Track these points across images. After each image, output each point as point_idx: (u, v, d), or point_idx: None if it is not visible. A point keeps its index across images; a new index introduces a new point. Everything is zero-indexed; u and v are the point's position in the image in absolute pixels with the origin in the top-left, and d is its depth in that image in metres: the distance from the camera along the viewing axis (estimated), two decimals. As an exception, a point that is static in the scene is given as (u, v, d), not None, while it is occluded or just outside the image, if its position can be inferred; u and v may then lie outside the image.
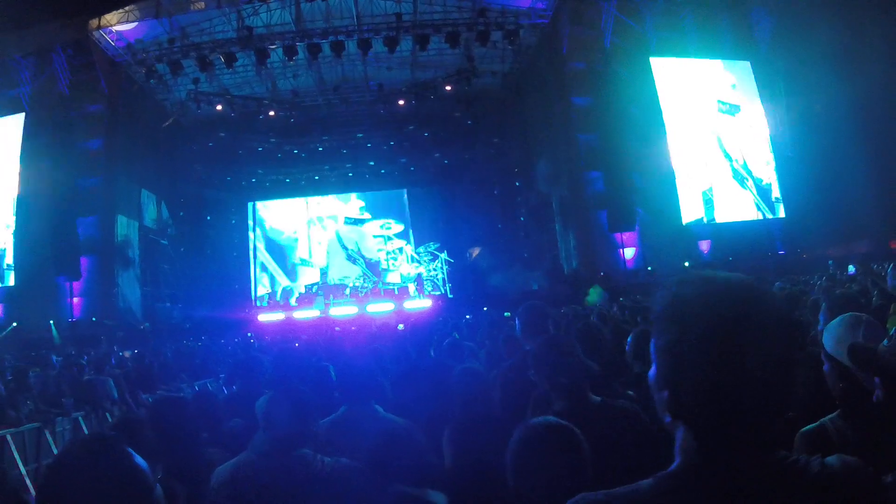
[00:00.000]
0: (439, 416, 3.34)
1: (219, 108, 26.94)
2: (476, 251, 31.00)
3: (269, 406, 2.58)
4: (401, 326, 9.86)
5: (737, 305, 1.07)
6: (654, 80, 23.36)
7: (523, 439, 2.08)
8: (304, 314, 24.42)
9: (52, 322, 20.97)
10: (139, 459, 1.48)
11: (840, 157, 20.47)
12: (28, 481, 7.22)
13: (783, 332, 1.09)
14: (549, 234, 26.96)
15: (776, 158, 23.79)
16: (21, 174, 23.28)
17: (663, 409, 1.14)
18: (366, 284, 29.28)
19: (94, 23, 22.79)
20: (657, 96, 23.29)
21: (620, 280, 21.44)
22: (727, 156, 23.57)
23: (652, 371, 1.18)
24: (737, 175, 23.53)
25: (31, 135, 23.37)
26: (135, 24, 23.13)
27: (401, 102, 27.80)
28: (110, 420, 8.71)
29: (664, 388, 1.13)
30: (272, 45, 23.56)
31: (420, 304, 24.73)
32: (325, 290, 28.95)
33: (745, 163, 23.63)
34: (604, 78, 22.54)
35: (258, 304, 28.87)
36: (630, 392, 3.10)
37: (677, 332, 1.10)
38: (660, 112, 23.22)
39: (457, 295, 29.01)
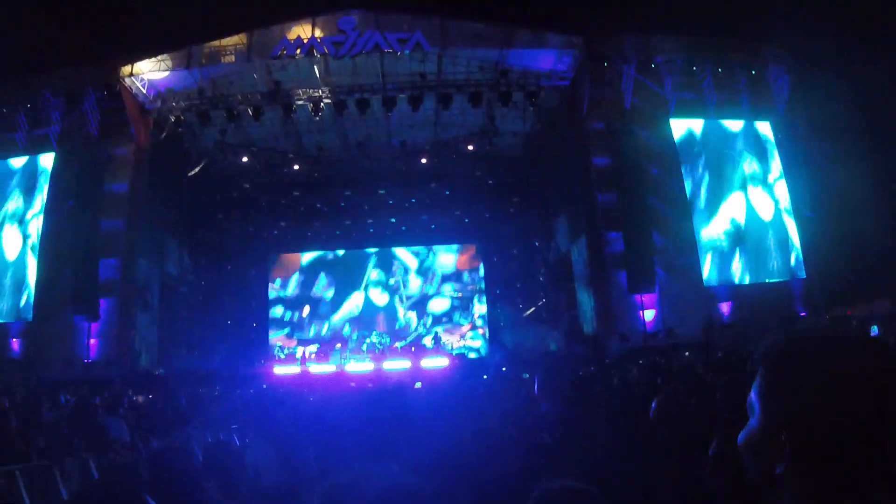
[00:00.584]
0: (454, 476, 3.28)
1: (244, 159, 27.40)
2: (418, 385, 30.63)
3: (259, 458, 2.56)
4: (418, 384, 9.76)
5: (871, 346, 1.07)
6: (673, 140, 23.51)
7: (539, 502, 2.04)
8: (319, 368, 24.30)
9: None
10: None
11: (860, 215, 20.35)
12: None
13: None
14: (568, 294, 26.81)
15: (795, 218, 23.66)
16: (47, 211, 23.62)
17: (775, 456, 1.10)
18: (383, 341, 29.19)
19: (126, 69, 23.44)
20: (677, 156, 23.41)
21: (640, 341, 21.22)
22: (747, 216, 23.48)
23: (757, 417, 1.14)
24: (757, 235, 23.40)
25: (58, 173, 23.79)
26: (166, 73, 23.80)
27: (423, 160, 28.15)
28: (119, 462, 8.64)
29: (781, 430, 1.09)
30: (299, 99, 24.07)
31: (437, 362, 24.55)
32: (342, 345, 28.90)
33: (764, 223, 23.53)
34: (623, 138, 22.73)
35: (276, 354, 28.81)
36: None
37: (807, 369, 1.09)
38: (680, 172, 23.30)
39: (477, 354, 28.87)
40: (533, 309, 30.41)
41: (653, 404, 3.79)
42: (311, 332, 32.30)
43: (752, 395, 1.16)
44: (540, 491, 2.08)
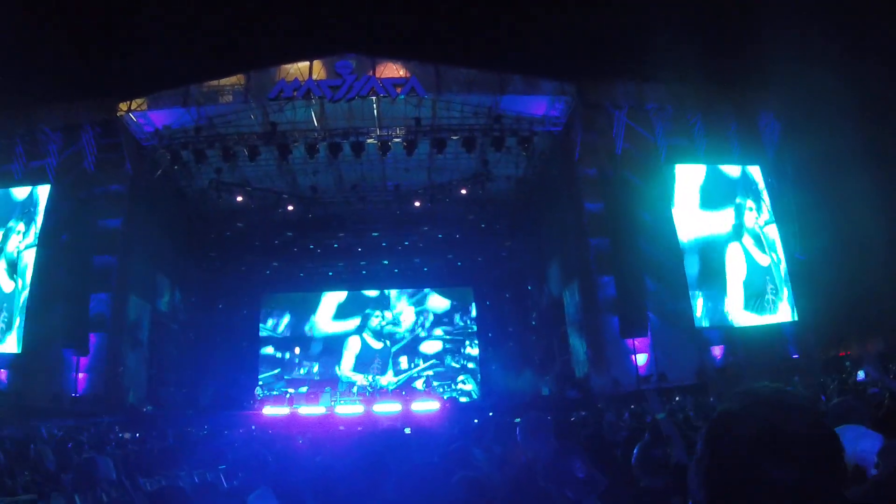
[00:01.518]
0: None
1: (239, 198, 27.52)
2: None
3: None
4: (407, 430, 9.72)
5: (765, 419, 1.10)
6: (664, 186, 23.74)
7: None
8: (309, 410, 24.08)
9: None
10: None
11: (852, 258, 20.48)
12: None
13: (808, 448, 1.10)
14: (561, 338, 26.78)
15: (787, 261, 23.81)
16: (40, 244, 23.51)
17: None
18: (373, 384, 29.07)
19: (124, 105, 23.65)
20: (669, 201, 23.61)
21: (632, 385, 21.17)
22: (742, 259, 23.60)
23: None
24: (748, 279, 23.50)
25: (53, 206, 23.73)
26: (164, 110, 24.02)
27: (417, 203, 28.33)
28: (105, 501, 8.51)
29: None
30: (295, 141, 24.31)
31: (427, 406, 24.38)
32: (332, 387, 28.70)
33: (756, 266, 23.66)
34: (615, 184, 22.98)
35: (265, 394, 28.57)
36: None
37: (709, 450, 1.14)
38: (671, 217, 23.46)
39: (468, 398, 28.69)
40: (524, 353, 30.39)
41: (634, 451, 3.83)
42: (302, 372, 32.11)
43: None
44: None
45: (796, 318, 23.39)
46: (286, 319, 33.38)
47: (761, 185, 24.64)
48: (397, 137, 24.17)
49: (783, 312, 23.49)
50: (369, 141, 24.23)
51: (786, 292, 23.61)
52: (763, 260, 23.83)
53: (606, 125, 23.68)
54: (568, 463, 2.75)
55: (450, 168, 26.99)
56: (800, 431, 1.11)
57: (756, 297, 23.35)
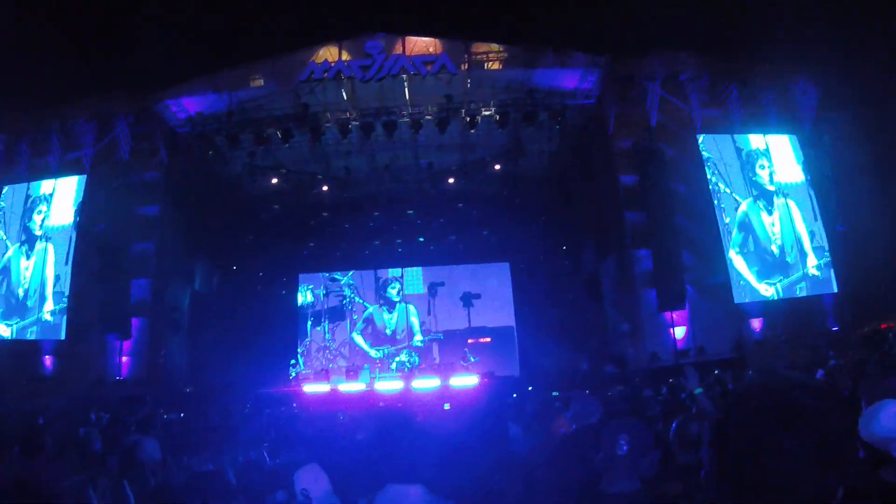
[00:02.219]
0: (484, 497, 3.31)
1: (274, 181, 27.72)
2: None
3: (306, 479, 2.58)
4: (447, 406, 9.77)
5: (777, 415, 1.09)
6: (701, 157, 23.37)
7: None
8: (348, 387, 24.31)
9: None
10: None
11: (893, 228, 20.01)
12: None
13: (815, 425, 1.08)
14: (597, 313, 26.64)
15: (826, 233, 23.32)
16: (78, 233, 24.17)
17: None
18: (412, 360, 29.23)
19: (156, 94, 23.93)
20: (705, 173, 23.23)
21: (670, 360, 21.02)
22: (781, 232, 23.18)
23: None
24: (788, 251, 23.08)
25: (89, 196, 24.33)
26: (195, 97, 24.24)
27: (450, 181, 28.26)
28: (152, 483, 8.69)
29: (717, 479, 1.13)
30: (327, 123, 24.36)
31: (467, 381, 24.47)
32: (371, 363, 28.93)
33: (795, 238, 23.19)
34: (650, 156, 22.65)
35: (304, 372, 28.87)
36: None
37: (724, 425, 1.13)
38: (708, 189, 23.10)
39: (505, 373, 28.63)
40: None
41: (672, 426, 3.80)
42: (341, 351, 32.40)
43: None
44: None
45: (836, 290, 22.94)
46: (324, 298, 33.67)
47: (799, 154, 24.08)
48: (429, 115, 24.05)
49: (822, 285, 23.04)
50: (401, 120, 24.18)
51: (825, 264, 23.13)
52: (798, 230, 23.35)
53: (640, 97, 23.32)
54: (613, 439, 2.71)
55: (482, 145, 26.80)
56: (812, 406, 1.10)
57: (788, 269, 22.95)
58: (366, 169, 28.76)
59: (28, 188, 25.25)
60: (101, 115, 24.25)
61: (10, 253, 24.79)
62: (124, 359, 22.84)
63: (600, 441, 2.74)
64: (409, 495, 3.18)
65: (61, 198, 24.81)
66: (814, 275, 22.96)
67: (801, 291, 22.86)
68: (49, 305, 23.84)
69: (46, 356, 23.62)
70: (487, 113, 24.06)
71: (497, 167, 27.25)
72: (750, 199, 23.38)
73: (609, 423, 3.02)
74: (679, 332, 22.01)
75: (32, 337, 23.85)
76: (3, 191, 25.47)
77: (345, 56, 23.59)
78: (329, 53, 23.78)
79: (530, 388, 20.77)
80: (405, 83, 24.05)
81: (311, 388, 24.67)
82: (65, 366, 23.18)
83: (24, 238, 24.88)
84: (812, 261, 23.07)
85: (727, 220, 22.98)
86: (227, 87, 23.95)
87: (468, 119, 23.94)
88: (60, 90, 24.90)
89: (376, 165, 28.50)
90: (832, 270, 23.00)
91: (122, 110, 23.98)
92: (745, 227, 23.11)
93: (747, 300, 22.51)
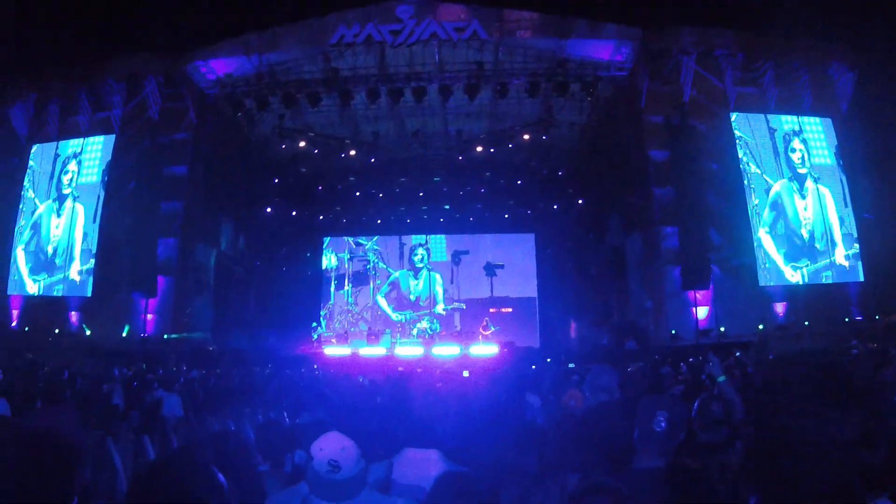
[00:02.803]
0: (499, 466, 3.32)
1: (301, 144, 27.73)
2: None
3: (330, 448, 2.59)
4: (466, 373, 9.79)
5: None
6: (733, 135, 23.00)
7: (574, 497, 2.07)
8: (369, 351, 24.55)
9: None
10: (222, 478, 1.56)
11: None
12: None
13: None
14: (620, 288, 26.53)
15: (855, 220, 22.91)
16: (107, 192, 24.49)
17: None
18: (433, 327, 29.39)
19: (186, 55, 23.99)
20: (736, 152, 22.88)
21: (691, 339, 20.91)
22: (812, 216, 22.82)
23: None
24: (818, 237, 22.73)
25: (118, 156, 24.61)
26: (225, 59, 24.23)
27: (478, 149, 28.10)
28: (174, 439, 8.85)
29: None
30: (356, 87, 24.25)
31: (487, 350, 24.57)
32: (392, 328, 29.16)
33: (826, 225, 22.82)
34: (682, 132, 22.33)
35: (326, 335, 29.19)
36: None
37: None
38: (738, 168, 22.79)
39: (525, 344, 28.71)
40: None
41: (695, 404, 3.78)
42: (363, 315, 32.67)
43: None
44: (577, 486, 2.11)
45: (862, 279, 22.60)
46: (348, 262, 33.87)
47: (832, 138, 23.58)
48: (459, 82, 23.84)
49: (849, 273, 22.70)
50: (430, 86, 23.99)
51: (853, 254, 22.75)
52: (826, 215, 22.95)
53: (673, 71, 22.98)
54: (650, 415, 2.70)
55: (512, 114, 26.56)
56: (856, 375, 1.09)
57: (814, 255, 22.62)
58: (394, 135, 28.68)
59: (57, 147, 25.55)
60: (131, 75, 24.39)
61: (41, 210, 25.18)
62: (149, 317, 23.17)
63: (635, 416, 2.72)
64: (426, 460, 3.20)
65: (90, 157, 25.11)
66: (841, 264, 22.64)
67: (827, 279, 22.57)
68: (77, 265, 24.26)
69: (73, 312, 24.08)
70: (518, 82, 23.81)
71: (526, 137, 27.02)
72: (784, 181, 23.03)
73: (643, 398, 3.00)
74: (701, 311, 21.85)
75: (59, 294, 24.33)
76: (33, 150, 25.79)
77: (375, 21, 23.37)
78: (359, 17, 23.57)
79: (549, 360, 20.80)
80: (436, 49, 23.81)
81: (332, 350, 24.95)
82: (90, 323, 23.63)
83: (54, 196, 25.24)
84: (841, 250, 22.74)
85: (756, 202, 22.68)
86: (257, 49, 23.87)
87: (498, 87, 23.69)
88: (91, 51, 25.03)
89: (404, 132, 28.41)
90: (860, 259, 22.65)
91: (151, 71, 24.10)
92: (777, 207, 22.80)
93: (772, 283, 22.27)
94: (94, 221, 24.31)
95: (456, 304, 32.10)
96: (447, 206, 32.80)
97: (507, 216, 33.00)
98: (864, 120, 22.92)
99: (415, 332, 28.68)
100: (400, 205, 32.70)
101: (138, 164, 23.72)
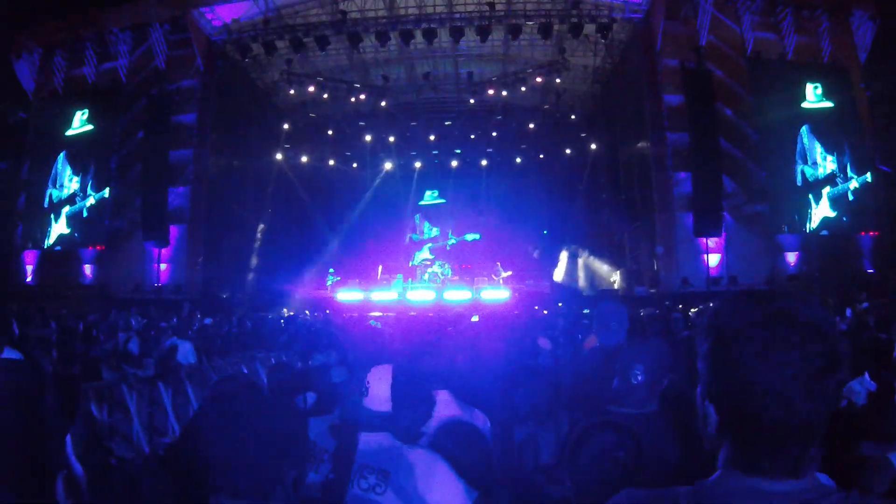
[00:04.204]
0: (510, 407, 3.33)
1: (310, 89, 27.44)
2: (537, 252, 30.80)
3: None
4: (475, 318, 9.82)
5: (768, 314, 1.07)
6: (749, 81, 22.57)
7: (581, 436, 2.06)
8: (381, 295, 24.69)
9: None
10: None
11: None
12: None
13: (813, 349, 1.05)
14: (632, 234, 26.45)
15: (871, 171, 22.60)
16: (117, 143, 24.46)
17: (709, 421, 1.15)
18: (444, 271, 29.37)
19: (191, 1, 23.59)
20: (753, 97, 22.50)
21: (702, 286, 20.89)
22: (822, 166, 22.53)
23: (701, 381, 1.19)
24: (830, 187, 22.47)
25: (127, 106, 24.51)
26: (231, 4, 23.82)
27: (490, 92, 27.73)
28: (188, 384, 8.99)
29: (707, 398, 1.14)
30: (365, 30, 23.85)
31: (498, 294, 24.65)
32: (404, 272, 29.19)
33: (839, 174, 22.53)
34: (697, 76, 21.91)
35: (334, 279, 29.26)
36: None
37: (715, 338, 1.12)
38: (755, 114, 22.43)
39: (535, 288, 28.76)
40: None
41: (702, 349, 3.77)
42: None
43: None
44: (582, 425, 2.10)
45: (876, 232, 22.37)
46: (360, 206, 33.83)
47: (850, 88, 23.07)
48: (470, 24, 23.39)
49: (860, 224, 22.50)
50: (441, 28, 23.57)
51: (863, 200, 22.49)
52: (841, 167, 22.63)
53: (690, 14, 22.43)
54: (629, 367, 2.67)
55: (524, 56, 26.20)
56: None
57: (828, 205, 22.38)
58: (404, 78, 28.36)
59: (66, 100, 25.43)
60: (136, 24, 24.11)
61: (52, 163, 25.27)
62: (163, 266, 23.33)
63: (616, 366, 2.70)
64: (438, 400, 3.20)
65: (99, 108, 25.01)
66: (853, 209, 22.42)
67: (842, 230, 22.37)
68: (88, 215, 24.53)
69: (86, 265, 24.32)
70: (531, 23, 23.31)
71: (539, 80, 26.60)
72: (804, 127, 22.66)
73: (631, 345, 2.97)
74: (713, 259, 21.77)
75: (73, 244, 24.64)
76: (40, 103, 25.71)
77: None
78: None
79: (560, 304, 20.89)
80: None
81: (345, 296, 25.10)
82: (104, 274, 23.86)
83: (64, 151, 25.28)
84: (849, 197, 22.49)
85: (773, 147, 22.38)
86: (264, -8, 23.47)
87: (511, 28, 23.22)
88: (94, 1, 24.66)
89: (415, 75, 28.06)
90: (875, 211, 22.41)
91: (156, 19, 23.75)
92: (793, 151, 22.49)
93: (785, 231, 22.12)
94: (105, 172, 24.35)
95: (471, 235, 31.90)
96: (458, 151, 32.55)
97: (519, 160, 32.73)
98: (882, 72, 22.43)
99: (426, 276, 28.70)
100: (411, 149, 32.46)
101: (146, 114, 23.59)
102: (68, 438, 1.84)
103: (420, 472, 2.37)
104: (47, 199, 25.00)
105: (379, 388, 2.52)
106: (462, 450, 2.58)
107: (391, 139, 31.58)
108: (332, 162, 32.85)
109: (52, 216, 24.83)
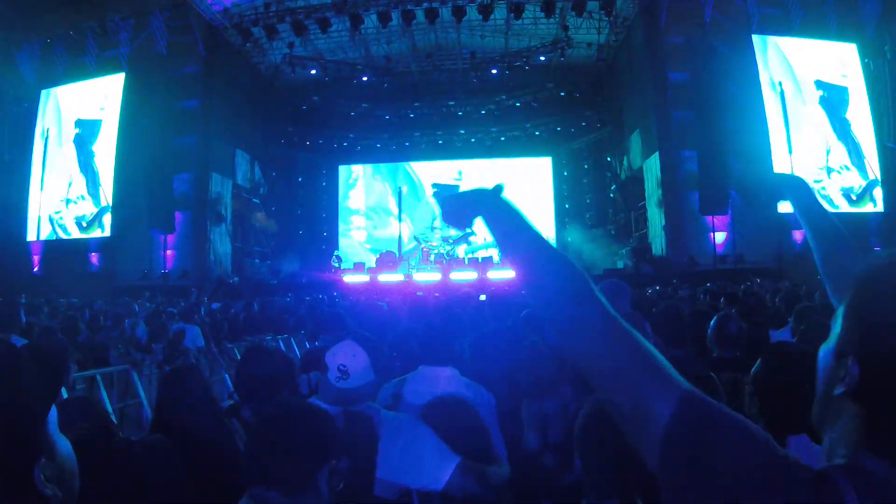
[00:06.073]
0: (513, 383, 3.34)
1: (313, 72, 27.38)
2: None
3: (343, 354, 2.61)
4: (482, 297, 9.82)
5: None
6: (755, 58, 22.38)
7: (592, 412, 2.05)
8: (388, 277, 24.69)
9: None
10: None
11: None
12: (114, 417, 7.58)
13: None
14: (638, 212, 26.38)
15: (878, 148, 22.40)
16: (120, 131, 24.41)
17: (836, 380, 1.01)
18: (451, 252, 29.33)
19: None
20: (758, 75, 22.30)
21: (709, 264, 20.85)
22: (830, 141, 22.38)
23: (834, 337, 1.05)
24: (836, 163, 22.32)
25: (129, 94, 24.43)
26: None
27: (493, 71, 27.59)
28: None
29: (848, 354, 0.97)
30: (366, 10, 23.69)
31: (504, 274, 24.63)
32: (410, 254, 29.21)
33: (845, 151, 22.37)
34: (702, 53, 21.69)
35: (344, 262, 29.30)
36: (713, 375, 3.01)
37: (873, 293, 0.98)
38: (760, 92, 22.24)
39: None
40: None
41: (711, 323, 3.80)
42: (381, 241, 32.66)
43: (839, 311, 1.06)
44: (593, 400, 2.09)
45: (883, 210, 22.24)
46: (364, 189, 33.82)
47: (856, 64, 22.83)
48: (472, 2, 23.20)
49: (867, 202, 22.34)
50: (443, 7, 23.39)
51: (871, 180, 22.33)
52: (847, 144, 22.46)
53: (695, -10, 22.22)
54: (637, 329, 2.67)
55: (528, 34, 26.00)
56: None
57: (834, 183, 22.24)
58: (407, 58, 28.20)
59: (68, 88, 25.42)
60: (137, 11, 23.98)
61: (55, 153, 25.30)
62: (169, 252, 23.39)
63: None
64: (441, 376, 3.21)
65: (101, 97, 24.97)
66: (860, 189, 22.26)
67: (845, 205, 22.23)
68: (93, 205, 24.60)
69: (93, 254, 24.41)
70: (534, 0, 23.10)
71: (542, 58, 26.44)
72: (813, 104, 22.48)
73: (632, 316, 2.98)
74: (719, 237, 21.71)
75: (78, 235, 24.71)
76: (42, 94, 25.67)
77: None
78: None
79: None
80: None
81: (351, 278, 25.11)
82: (111, 262, 23.94)
83: (68, 140, 25.32)
84: (858, 174, 22.35)
85: (780, 124, 22.21)
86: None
87: (513, 5, 23.02)
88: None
89: (418, 54, 27.90)
90: (882, 189, 22.27)
91: (157, 6, 23.66)
92: (799, 129, 22.33)
93: (791, 210, 21.96)
94: (109, 161, 24.37)
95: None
96: (462, 131, 32.40)
97: (524, 139, 32.57)
98: (890, 46, 22.17)
99: (432, 257, 28.67)
100: (414, 130, 32.35)
101: (149, 101, 23.52)
102: (53, 417, 1.84)
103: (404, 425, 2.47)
104: (53, 190, 25.02)
105: (350, 363, 2.58)
106: (449, 422, 2.60)
107: (394, 120, 31.47)
108: (335, 144, 32.78)
109: (59, 206, 24.87)
